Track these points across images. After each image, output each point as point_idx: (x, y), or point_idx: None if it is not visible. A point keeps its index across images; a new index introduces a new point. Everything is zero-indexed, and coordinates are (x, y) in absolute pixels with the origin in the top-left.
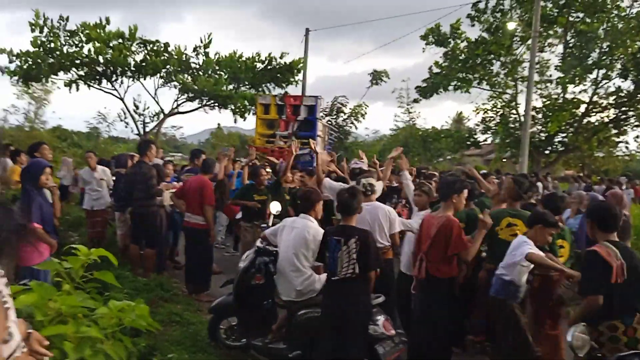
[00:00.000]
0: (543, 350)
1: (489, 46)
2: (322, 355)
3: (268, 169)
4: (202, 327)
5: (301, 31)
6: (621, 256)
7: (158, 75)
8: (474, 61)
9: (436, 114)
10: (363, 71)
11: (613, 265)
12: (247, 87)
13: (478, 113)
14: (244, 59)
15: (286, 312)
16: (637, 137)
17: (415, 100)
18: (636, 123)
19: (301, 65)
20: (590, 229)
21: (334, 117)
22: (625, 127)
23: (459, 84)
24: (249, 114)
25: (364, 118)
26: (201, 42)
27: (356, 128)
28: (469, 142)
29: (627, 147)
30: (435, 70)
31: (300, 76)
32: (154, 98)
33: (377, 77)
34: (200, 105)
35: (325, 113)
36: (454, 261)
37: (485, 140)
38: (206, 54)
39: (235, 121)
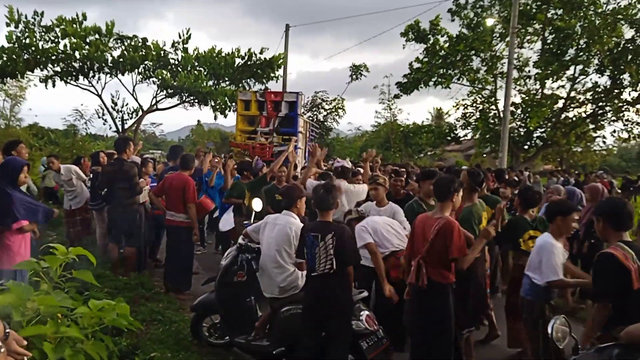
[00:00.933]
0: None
1: (469, 42)
2: (305, 352)
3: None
4: (185, 325)
5: (283, 27)
6: (637, 258)
7: (136, 71)
8: (454, 57)
9: (418, 109)
10: (345, 67)
11: (631, 269)
12: (227, 83)
13: (458, 109)
14: (223, 54)
15: (269, 309)
16: (614, 131)
17: (396, 96)
18: (613, 118)
19: (281, 61)
20: (601, 228)
21: (315, 113)
22: (602, 122)
23: (439, 79)
24: (229, 111)
25: (344, 113)
26: (180, 37)
27: (337, 124)
28: (449, 138)
29: (604, 142)
30: (416, 66)
31: (280, 72)
32: (132, 94)
33: (356, 71)
34: (179, 101)
35: (306, 109)
36: (452, 265)
37: (465, 135)
38: (185, 50)
39: (215, 118)
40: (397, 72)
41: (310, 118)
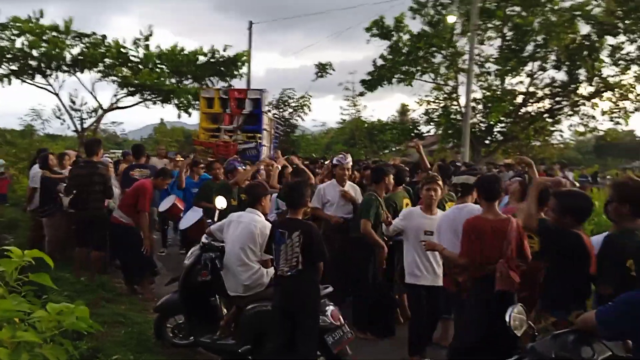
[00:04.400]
0: None
1: (430, 39)
2: (274, 350)
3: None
4: (148, 326)
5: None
6: None
7: (95, 69)
8: (416, 54)
9: (386, 106)
10: (314, 64)
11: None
12: (190, 81)
13: (421, 105)
14: (186, 52)
15: (234, 308)
16: (571, 126)
17: (361, 94)
18: (570, 112)
19: (245, 58)
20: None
21: (281, 110)
22: (559, 117)
23: (403, 76)
24: (193, 109)
25: (310, 110)
26: (141, 34)
27: (303, 120)
28: (413, 134)
29: (561, 136)
30: (380, 63)
31: (245, 69)
32: (91, 93)
33: (322, 69)
34: (141, 99)
35: (272, 106)
36: None
37: (428, 131)
38: (146, 47)
39: (179, 116)
40: (365, 69)
41: (276, 115)
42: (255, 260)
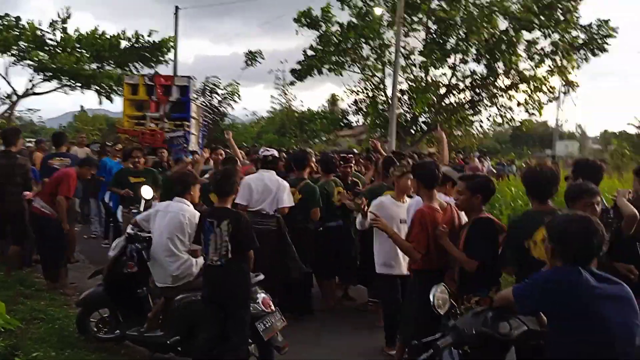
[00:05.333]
0: None
1: (360, 30)
2: (206, 340)
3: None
4: (70, 321)
5: (184, 10)
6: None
7: (9, 52)
8: (345, 45)
9: (317, 96)
10: (243, 52)
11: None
12: (113, 66)
13: (350, 95)
14: (108, 36)
15: (163, 299)
16: (490, 116)
17: (292, 83)
18: (488, 104)
19: (172, 44)
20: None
21: (209, 98)
22: (479, 108)
23: (332, 67)
24: (115, 95)
25: (239, 99)
26: (59, 17)
27: (232, 109)
28: (342, 124)
29: (481, 126)
30: (310, 53)
31: (171, 55)
32: (4, 78)
33: (251, 57)
34: (59, 85)
35: (198, 94)
36: None
37: (357, 121)
38: (64, 30)
39: (100, 103)
40: (298, 58)
41: (204, 103)
42: (184, 250)
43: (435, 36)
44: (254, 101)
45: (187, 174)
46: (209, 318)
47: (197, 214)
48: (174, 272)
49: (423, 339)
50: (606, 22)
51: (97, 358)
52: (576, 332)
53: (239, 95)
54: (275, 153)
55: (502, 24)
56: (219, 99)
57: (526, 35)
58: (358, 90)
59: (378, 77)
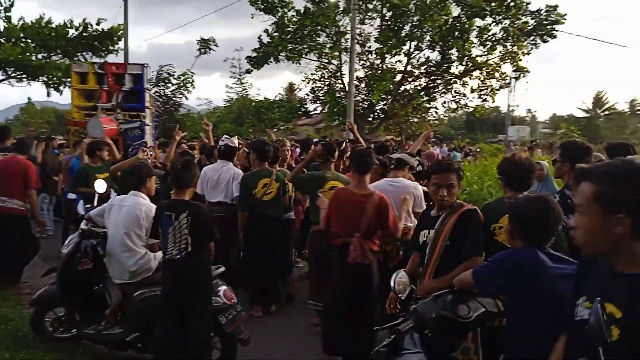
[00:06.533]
0: None
1: (315, 17)
2: (166, 335)
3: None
4: (24, 322)
5: None
6: None
7: None
8: (302, 32)
9: (275, 84)
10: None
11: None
12: (60, 56)
13: (308, 83)
14: (54, 25)
15: (120, 295)
16: (444, 103)
17: (248, 71)
18: (443, 90)
19: (122, 32)
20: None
21: (162, 87)
22: (434, 94)
23: (289, 54)
24: (64, 87)
25: (193, 88)
26: (1, 5)
27: (186, 99)
28: (300, 112)
29: (436, 113)
30: (266, 39)
31: (122, 44)
32: None
33: (205, 45)
34: (4, 77)
35: (151, 84)
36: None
37: (315, 109)
38: (8, 19)
39: (48, 94)
40: (254, 46)
41: (157, 93)
42: (141, 244)
43: (389, 23)
44: (210, 90)
45: (142, 167)
46: (168, 313)
47: (154, 207)
48: (132, 267)
49: (385, 325)
50: (554, 7)
51: (54, 358)
52: (534, 311)
53: (193, 85)
54: (235, 142)
55: (455, 10)
56: (173, 88)
57: (478, 22)
58: (315, 79)
59: (335, 64)
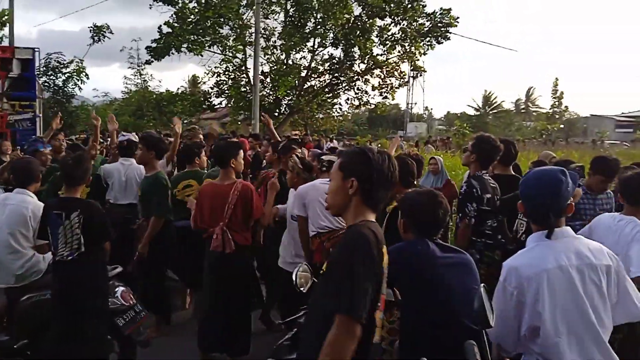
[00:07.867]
0: None
1: (218, 9)
2: (58, 340)
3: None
4: None
5: None
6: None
7: None
8: (204, 23)
9: (178, 76)
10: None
11: None
12: None
13: (212, 76)
14: None
15: (5, 300)
16: (348, 99)
17: (148, 62)
18: (346, 87)
19: (7, 17)
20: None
21: (52, 77)
22: (338, 91)
23: (191, 46)
24: None
25: (87, 78)
26: None
27: (80, 89)
28: (204, 106)
29: (340, 109)
30: (166, 30)
31: (6, 31)
32: None
33: (98, 32)
34: None
35: (39, 73)
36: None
37: (220, 103)
38: None
39: None
40: (156, 36)
41: (47, 84)
42: (29, 246)
43: (293, 19)
44: (108, 81)
45: (29, 162)
46: (59, 316)
47: (42, 205)
48: (18, 270)
49: (287, 319)
50: (448, 11)
51: None
52: (424, 300)
53: (86, 74)
54: (133, 138)
55: (357, 9)
56: (64, 78)
57: (378, 22)
58: (219, 72)
59: (239, 58)
